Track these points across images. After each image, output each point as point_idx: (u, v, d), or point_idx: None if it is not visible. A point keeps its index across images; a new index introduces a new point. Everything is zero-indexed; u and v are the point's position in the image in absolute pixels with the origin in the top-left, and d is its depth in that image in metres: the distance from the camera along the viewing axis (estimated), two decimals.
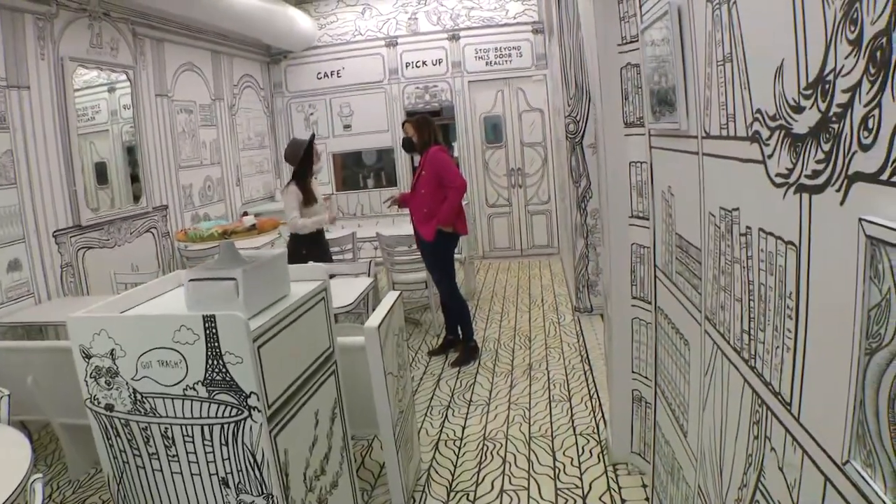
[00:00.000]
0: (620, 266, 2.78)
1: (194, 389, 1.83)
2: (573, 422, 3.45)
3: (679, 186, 1.86)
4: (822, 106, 0.88)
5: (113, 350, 1.87)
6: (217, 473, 1.90)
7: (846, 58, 0.80)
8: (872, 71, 0.74)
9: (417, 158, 4.57)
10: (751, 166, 1.18)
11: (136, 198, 5.36)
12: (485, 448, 3.26)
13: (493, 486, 2.90)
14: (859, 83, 0.77)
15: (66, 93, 4.49)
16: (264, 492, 1.88)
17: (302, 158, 4.32)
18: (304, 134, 6.88)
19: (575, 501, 2.72)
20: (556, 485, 2.86)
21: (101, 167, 4.97)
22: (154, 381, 1.86)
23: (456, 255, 4.84)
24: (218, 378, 1.80)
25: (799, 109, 0.96)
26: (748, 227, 1.23)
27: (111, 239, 4.93)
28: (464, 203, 4.57)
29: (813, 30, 0.89)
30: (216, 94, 6.85)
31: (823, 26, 0.86)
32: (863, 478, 0.78)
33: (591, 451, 3.12)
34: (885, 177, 0.73)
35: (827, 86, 0.86)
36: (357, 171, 8.37)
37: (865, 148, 0.77)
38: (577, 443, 3.22)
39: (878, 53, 0.72)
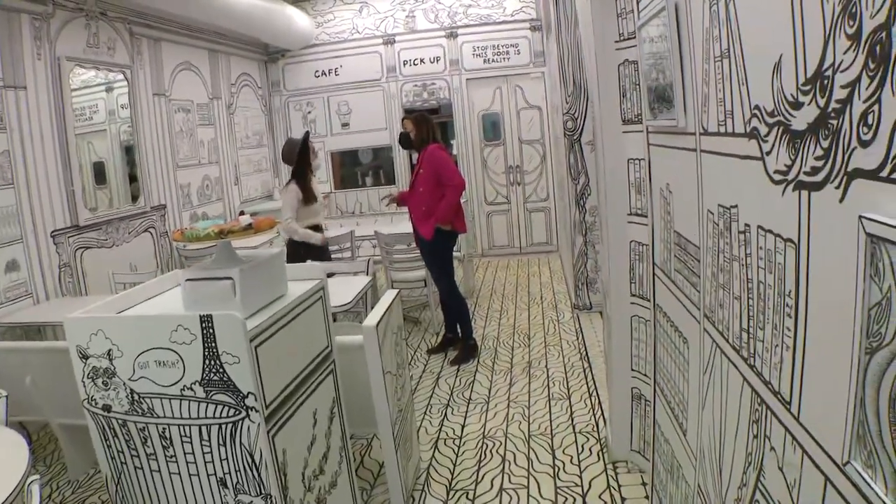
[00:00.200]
0: (619, 263, 2.78)
1: (191, 390, 1.82)
2: (573, 420, 3.44)
3: (677, 184, 1.85)
4: (821, 102, 0.87)
5: (110, 350, 1.86)
6: (215, 474, 1.89)
7: (845, 52, 0.79)
8: (872, 66, 0.73)
9: (415, 156, 4.56)
10: (749, 163, 1.17)
11: (135, 197, 5.35)
12: (484, 446, 3.25)
13: (492, 485, 2.89)
14: (858, 78, 0.76)
15: (62, 93, 4.48)
16: (262, 492, 1.87)
17: (299, 157, 4.31)
18: (301, 133, 6.86)
19: (575, 500, 2.72)
20: (555, 483, 2.86)
21: (99, 167, 4.96)
22: (151, 382, 1.85)
23: (455, 253, 4.83)
24: (215, 378, 1.80)
25: (797, 105, 0.95)
26: (747, 225, 1.22)
27: (109, 239, 4.92)
28: (462, 201, 4.56)
29: (811, 24, 0.88)
30: (214, 94, 6.83)
31: (822, 21, 0.85)
32: (863, 479, 0.77)
33: (590, 449, 3.11)
34: (885, 173, 0.72)
35: (826, 81, 0.85)
36: (355, 169, 8.36)
37: (865, 144, 0.76)
38: (576, 441, 3.21)
39: (878, 48, 0.71)
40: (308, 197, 4.30)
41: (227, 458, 1.86)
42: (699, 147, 1.54)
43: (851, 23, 0.76)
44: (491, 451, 3.20)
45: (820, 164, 0.89)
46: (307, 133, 4.49)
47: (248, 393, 1.79)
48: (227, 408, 1.81)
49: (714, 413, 1.53)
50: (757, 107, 1.12)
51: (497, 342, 4.83)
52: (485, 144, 7.92)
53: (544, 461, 3.05)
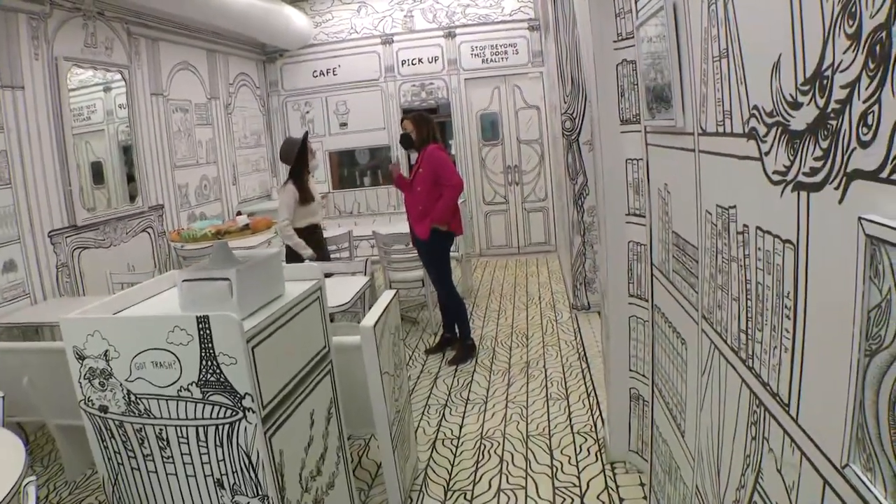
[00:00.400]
0: (617, 264, 2.77)
1: (188, 390, 1.82)
2: (571, 420, 3.44)
3: (675, 184, 1.84)
4: (820, 102, 0.86)
5: (107, 351, 1.85)
6: (212, 475, 1.88)
7: (844, 52, 0.78)
8: (871, 66, 0.72)
9: (414, 156, 4.55)
10: (748, 163, 1.17)
11: (132, 197, 5.34)
12: (482, 447, 3.25)
13: (490, 485, 2.89)
14: (858, 78, 0.76)
15: (60, 93, 4.47)
16: (260, 493, 1.86)
17: (297, 157, 4.31)
18: (300, 133, 6.86)
19: (573, 500, 2.71)
20: (553, 483, 2.86)
21: (97, 167, 4.95)
22: (148, 383, 1.84)
23: (453, 253, 4.83)
24: (212, 379, 1.79)
25: (796, 105, 0.95)
26: (745, 226, 1.22)
27: (107, 239, 4.91)
28: (460, 201, 4.55)
29: (810, 24, 0.88)
30: (212, 93, 6.82)
31: (821, 20, 0.84)
32: (862, 481, 0.77)
33: (588, 450, 3.11)
34: (884, 174, 0.71)
35: (825, 81, 0.85)
36: (353, 168, 8.35)
37: (864, 145, 0.75)
38: (574, 441, 3.21)
39: (878, 48, 0.71)
40: (305, 197, 4.30)
41: (223, 459, 1.86)
42: (697, 147, 1.54)
43: (851, 22, 0.76)
44: (489, 451, 3.19)
45: (819, 164, 0.88)
46: (307, 133, 4.48)
47: (245, 394, 1.78)
48: (223, 409, 1.81)
49: (712, 414, 1.52)
50: (756, 107, 1.11)
51: (495, 342, 4.82)
52: (483, 144, 7.92)
53: (542, 461, 3.05)
